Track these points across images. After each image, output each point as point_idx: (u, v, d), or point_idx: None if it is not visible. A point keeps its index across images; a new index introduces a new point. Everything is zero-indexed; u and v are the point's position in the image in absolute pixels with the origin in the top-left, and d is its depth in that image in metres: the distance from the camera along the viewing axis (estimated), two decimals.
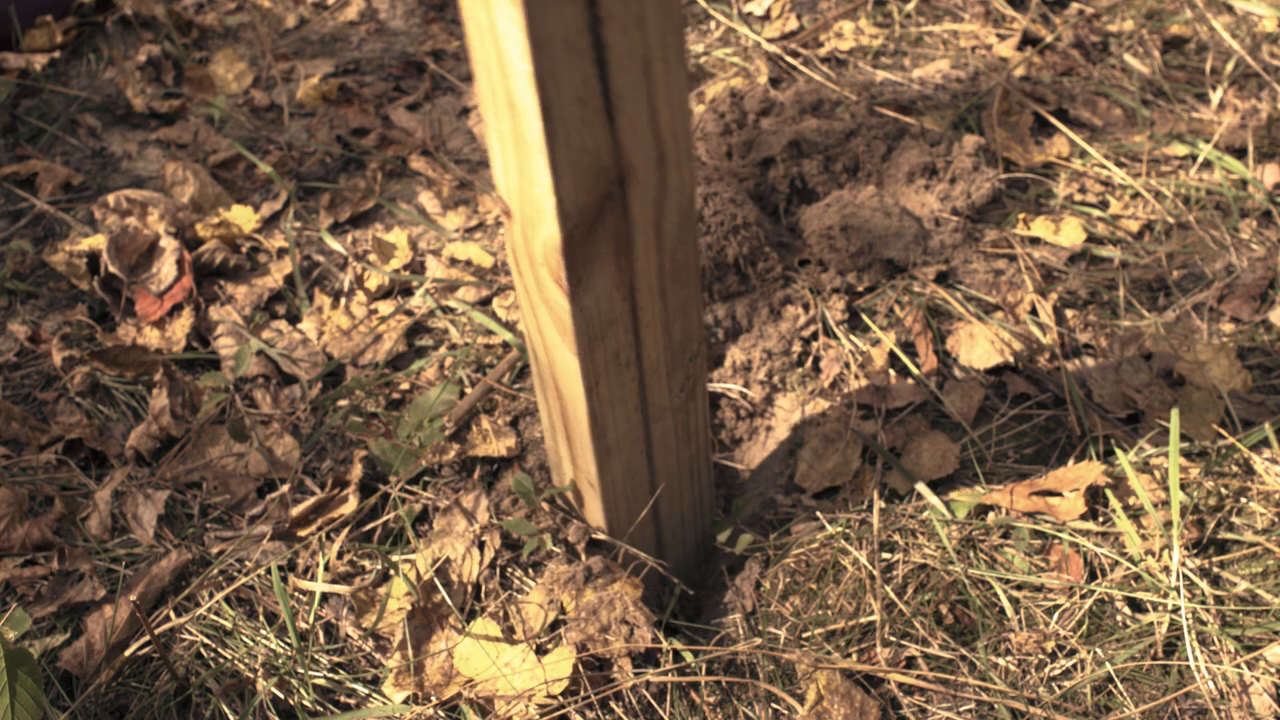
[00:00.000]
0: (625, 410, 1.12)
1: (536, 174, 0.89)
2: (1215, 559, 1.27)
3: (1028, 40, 2.14)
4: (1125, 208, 1.76)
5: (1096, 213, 1.75)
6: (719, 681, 1.17)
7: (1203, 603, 1.22)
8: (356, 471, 1.36)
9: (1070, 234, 1.70)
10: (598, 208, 0.94)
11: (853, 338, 1.55)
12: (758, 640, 1.19)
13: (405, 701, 1.15)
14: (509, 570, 1.26)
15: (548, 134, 0.85)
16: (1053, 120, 1.92)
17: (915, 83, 2.03)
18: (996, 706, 1.14)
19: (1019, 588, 1.25)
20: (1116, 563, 1.26)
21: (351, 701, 1.16)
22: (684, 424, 1.22)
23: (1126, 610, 1.23)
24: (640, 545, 1.28)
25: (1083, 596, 1.24)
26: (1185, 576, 1.24)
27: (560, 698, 1.13)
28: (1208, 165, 1.83)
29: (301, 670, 1.18)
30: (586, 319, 1.00)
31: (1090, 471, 1.33)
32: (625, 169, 0.94)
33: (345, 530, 1.31)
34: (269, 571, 1.26)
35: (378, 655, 1.20)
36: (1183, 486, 1.34)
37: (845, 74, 2.08)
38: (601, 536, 1.26)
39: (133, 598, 1.17)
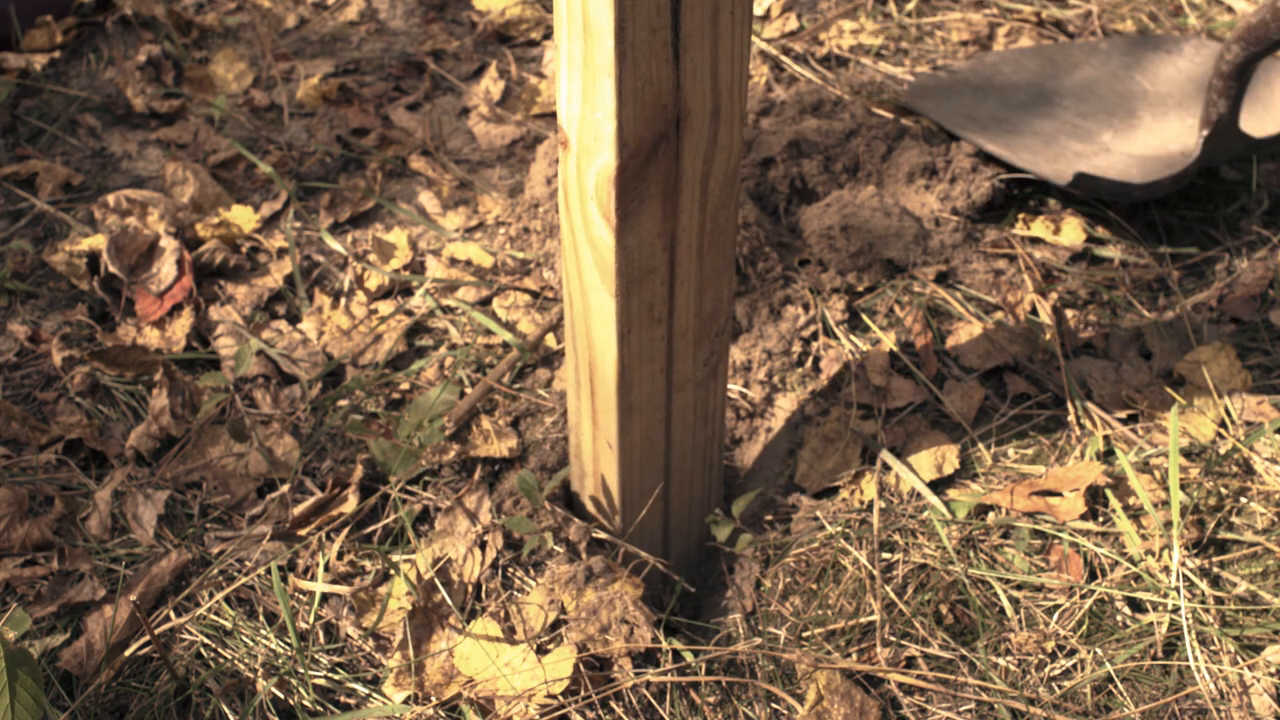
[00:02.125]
0: (651, 370, 1.14)
1: (601, 98, 0.92)
2: (1215, 559, 1.27)
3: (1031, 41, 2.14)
4: (1126, 207, 1.76)
5: (1097, 213, 1.75)
6: (719, 681, 1.17)
7: (1203, 603, 1.22)
8: (357, 472, 1.36)
9: (1070, 234, 1.70)
10: (653, 145, 0.97)
11: (853, 338, 1.55)
12: (758, 640, 1.19)
13: (405, 701, 1.15)
14: (510, 570, 1.26)
15: (618, 55, 0.89)
16: None
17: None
18: (996, 706, 1.14)
19: (1019, 588, 1.25)
20: (1116, 563, 1.26)
21: (351, 701, 1.16)
22: (703, 402, 1.23)
23: (1126, 610, 1.23)
24: (647, 531, 1.28)
25: (1083, 596, 1.24)
26: (1185, 576, 1.24)
27: (560, 697, 1.13)
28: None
29: (301, 670, 1.18)
30: (628, 260, 1.03)
31: (1090, 471, 1.33)
32: (683, 113, 0.98)
33: (345, 530, 1.31)
34: (269, 571, 1.26)
35: (378, 655, 1.20)
36: (1183, 486, 1.34)
37: (845, 73, 2.08)
38: (603, 535, 1.27)
39: (133, 598, 1.16)
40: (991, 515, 1.32)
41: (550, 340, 1.55)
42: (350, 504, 1.33)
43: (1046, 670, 1.18)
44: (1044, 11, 2.21)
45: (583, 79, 0.93)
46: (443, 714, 1.14)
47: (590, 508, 1.28)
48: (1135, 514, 1.31)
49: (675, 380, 1.18)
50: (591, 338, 1.11)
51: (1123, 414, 1.44)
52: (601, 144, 0.95)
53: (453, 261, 1.70)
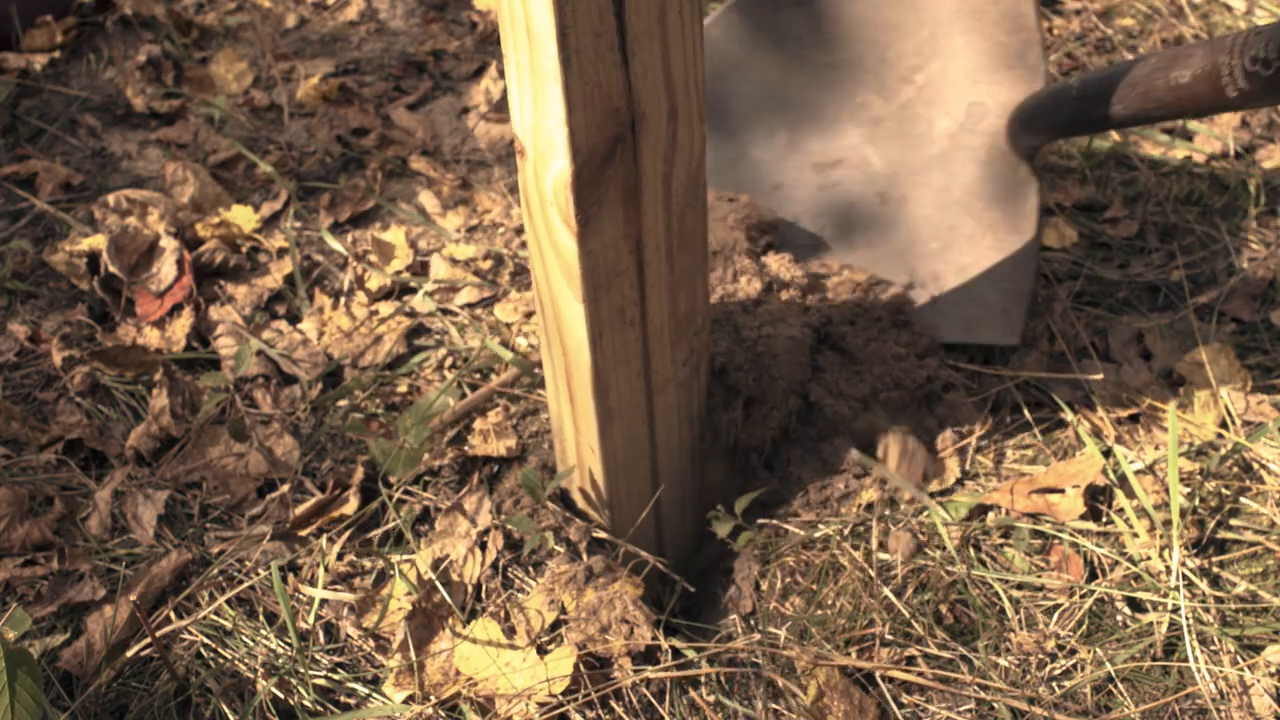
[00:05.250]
0: (628, 372, 1.13)
1: (550, 105, 0.92)
2: (1215, 559, 1.27)
3: None
4: (1125, 207, 1.76)
5: (1096, 213, 1.75)
6: (719, 680, 1.17)
7: (1203, 603, 1.22)
8: (358, 473, 1.36)
9: (1069, 235, 1.70)
10: (608, 148, 0.96)
11: None
12: (757, 637, 1.19)
13: (405, 701, 1.15)
14: (510, 570, 1.26)
15: (563, 60, 0.88)
16: None
17: None
18: (996, 706, 1.14)
19: (1019, 588, 1.25)
20: (1116, 563, 1.27)
21: (351, 701, 1.16)
22: (687, 402, 1.23)
23: (1126, 610, 1.23)
24: (640, 533, 1.28)
25: (1082, 596, 1.24)
26: (1185, 576, 1.24)
27: (560, 697, 1.13)
28: (1208, 164, 1.83)
29: (301, 670, 1.18)
30: (593, 264, 1.02)
31: (1090, 467, 1.33)
32: (637, 115, 0.97)
33: (346, 531, 1.31)
34: (270, 572, 1.26)
35: (378, 655, 1.20)
36: (1183, 486, 1.34)
37: None
38: (603, 535, 1.27)
39: (133, 598, 1.16)
40: (991, 515, 1.32)
41: None
42: (351, 505, 1.33)
43: (1046, 670, 1.18)
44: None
45: (532, 86, 0.93)
46: (443, 714, 1.14)
47: (581, 504, 1.28)
48: (1135, 514, 1.31)
49: (655, 382, 1.17)
50: (565, 343, 1.10)
51: (1123, 414, 1.44)
52: (555, 150, 0.94)
53: (453, 262, 1.70)
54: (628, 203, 1.01)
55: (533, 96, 0.93)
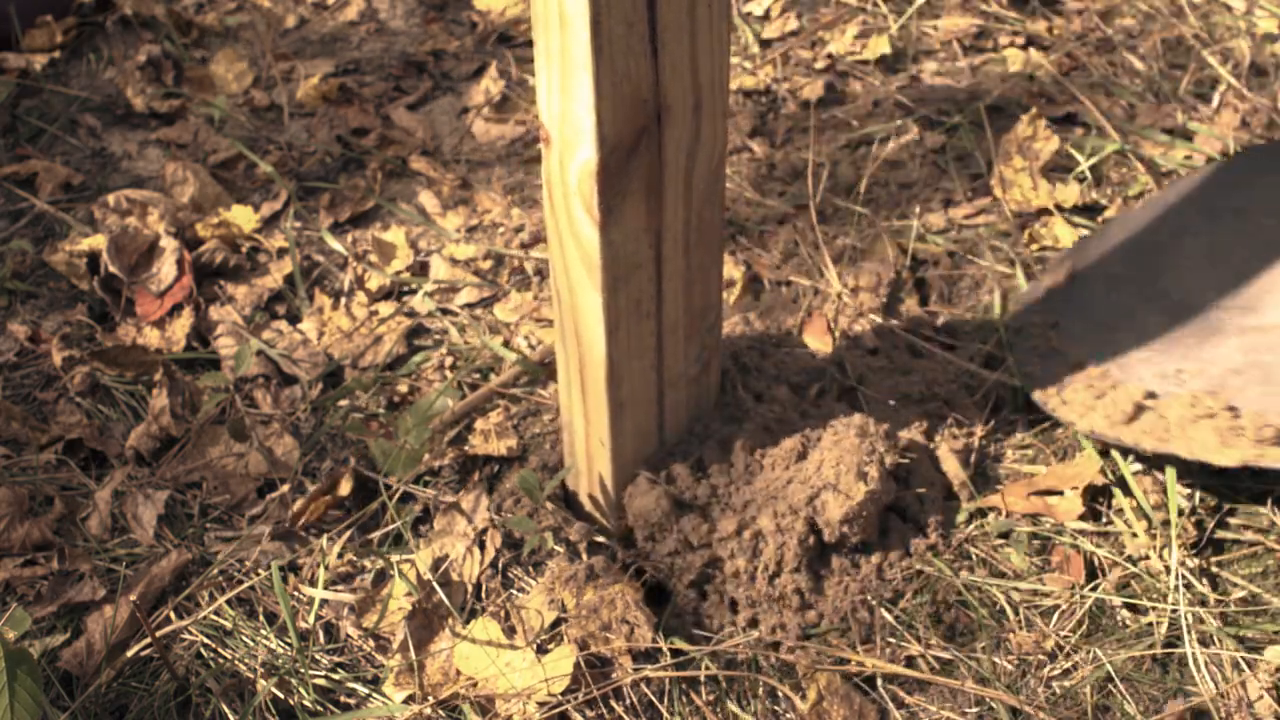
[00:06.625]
0: (642, 365, 1.14)
1: (580, 93, 0.92)
2: (1214, 559, 1.27)
3: (1029, 42, 2.15)
4: (1125, 207, 1.76)
5: (1096, 213, 1.75)
6: (719, 680, 1.17)
7: (1203, 603, 1.22)
8: (348, 473, 1.36)
9: (1070, 238, 1.70)
10: (634, 139, 0.97)
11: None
12: (756, 634, 1.19)
13: (405, 701, 1.15)
14: (510, 570, 1.26)
15: (594, 48, 0.89)
16: (1073, 113, 1.92)
17: (916, 86, 2.03)
18: (995, 706, 1.14)
19: (1018, 589, 1.25)
20: (1116, 563, 1.27)
21: (351, 701, 1.16)
22: (696, 399, 1.23)
23: (1126, 611, 1.23)
24: None
25: (1082, 597, 1.24)
26: (1184, 577, 1.24)
27: (560, 696, 1.13)
28: (1208, 165, 1.83)
29: (301, 670, 1.18)
30: (613, 255, 1.02)
31: (1089, 468, 1.33)
32: (663, 108, 0.98)
33: (347, 531, 1.31)
34: (270, 572, 1.26)
35: (378, 655, 1.20)
36: (1181, 486, 1.34)
37: (849, 81, 2.08)
38: (603, 540, 1.27)
39: (133, 598, 1.17)
40: (990, 516, 1.33)
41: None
42: (345, 488, 1.33)
43: (1046, 671, 1.18)
44: (1029, 23, 2.21)
45: (561, 74, 0.93)
46: (443, 714, 1.14)
47: (587, 505, 1.29)
48: (1134, 514, 1.31)
49: (667, 377, 1.18)
50: (580, 334, 1.11)
51: None
52: (582, 139, 0.95)
53: (453, 262, 1.70)
54: (650, 195, 1.02)
55: (561, 84, 0.94)
